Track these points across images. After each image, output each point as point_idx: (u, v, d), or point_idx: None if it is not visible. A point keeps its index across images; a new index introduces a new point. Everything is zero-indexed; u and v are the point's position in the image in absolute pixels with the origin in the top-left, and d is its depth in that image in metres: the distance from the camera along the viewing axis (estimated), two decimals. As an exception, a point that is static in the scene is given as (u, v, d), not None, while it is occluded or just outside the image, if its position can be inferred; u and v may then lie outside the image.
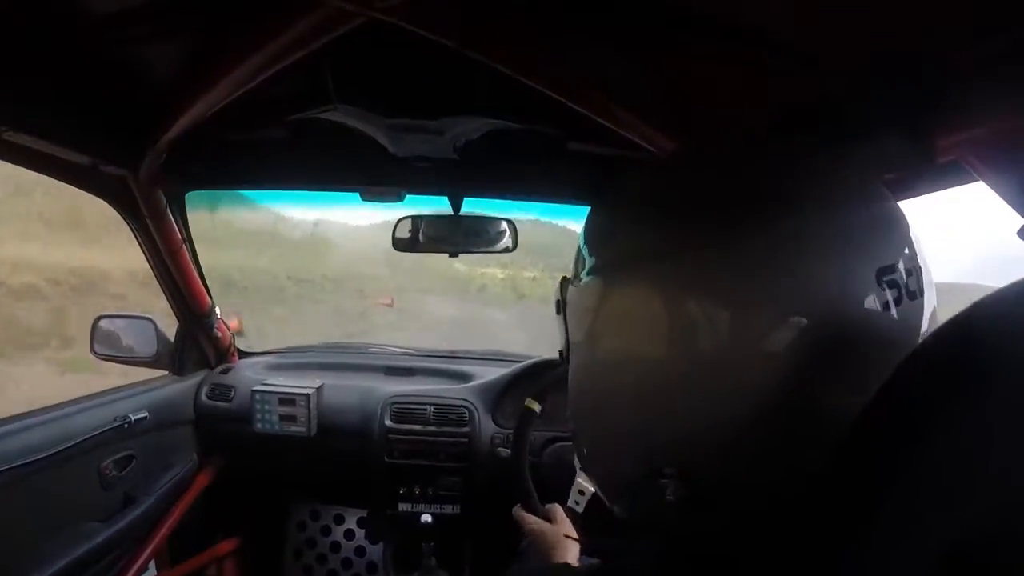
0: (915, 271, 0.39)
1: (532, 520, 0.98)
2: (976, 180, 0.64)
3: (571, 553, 0.91)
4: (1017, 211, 0.59)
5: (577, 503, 0.98)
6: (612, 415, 0.43)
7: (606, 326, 0.43)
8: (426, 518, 1.49)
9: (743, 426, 0.37)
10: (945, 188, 0.79)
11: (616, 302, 0.42)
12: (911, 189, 0.81)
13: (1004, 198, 0.59)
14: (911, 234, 0.41)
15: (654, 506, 0.41)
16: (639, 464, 0.42)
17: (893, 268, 0.38)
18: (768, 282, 0.37)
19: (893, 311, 0.37)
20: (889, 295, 0.37)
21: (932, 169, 0.64)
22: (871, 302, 0.36)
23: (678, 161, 0.54)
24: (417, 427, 1.53)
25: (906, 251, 0.39)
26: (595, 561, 0.95)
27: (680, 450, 0.40)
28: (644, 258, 0.41)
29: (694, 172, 0.46)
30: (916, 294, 0.39)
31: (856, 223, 0.39)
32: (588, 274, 0.45)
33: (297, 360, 1.83)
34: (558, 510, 0.99)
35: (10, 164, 0.96)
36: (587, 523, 0.95)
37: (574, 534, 0.94)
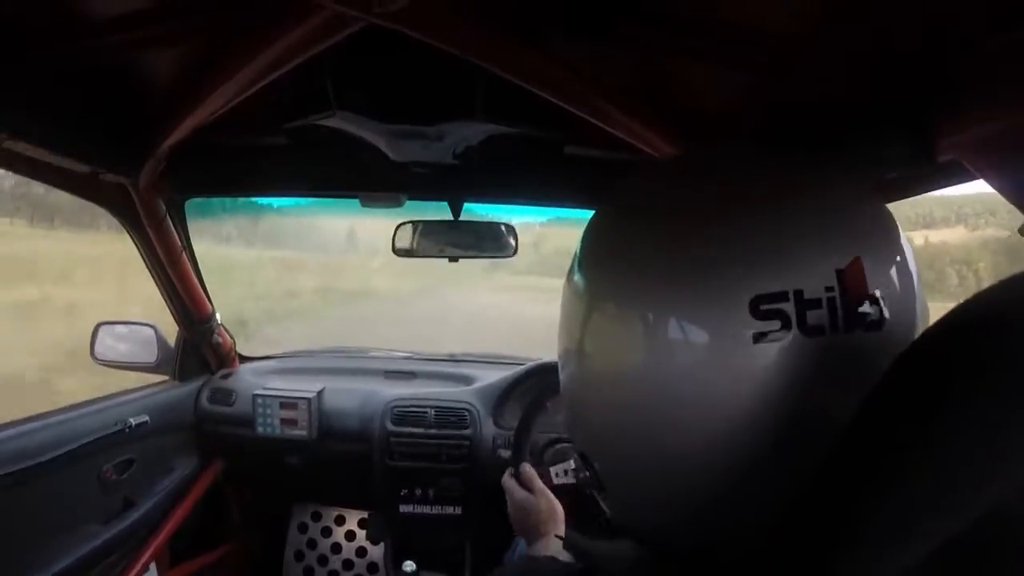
0: (906, 273, 0.38)
1: (519, 492, 0.98)
2: (976, 178, 0.64)
3: (557, 526, 0.92)
4: (1018, 208, 0.59)
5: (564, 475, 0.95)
6: (602, 421, 0.42)
7: (592, 335, 0.41)
8: (409, 566, 1.43)
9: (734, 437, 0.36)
10: (945, 186, 0.80)
11: (600, 311, 0.41)
12: (911, 188, 0.81)
13: (1005, 196, 0.59)
14: (901, 236, 0.40)
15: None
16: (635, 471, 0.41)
17: (885, 271, 0.37)
18: (747, 287, 0.35)
19: (886, 312, 0.35)
20: (880, 296, 0.36)
21: (932, 168, 0.64)
22: (818, 318, 0.34)
23: (669, 166, 0.53)
24: (418, 430, 1.53)
25: (897, 257, 0.38)
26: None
27: (667, 460, 0.38)
28: (626, 267, 0.39)
29: (679, 178, 0.44)
30: (908, 296, 0.37)
31: (847, 228, 0.37)
32: (578, 275, 0.44)
33: (298, 364, 1.83)
34: (535, 480, 0.98)
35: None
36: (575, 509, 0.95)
37: (557, 503, 0.94)
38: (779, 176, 0.40)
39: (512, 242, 1.42)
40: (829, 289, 0.34)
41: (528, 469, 1.00)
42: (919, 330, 0.36)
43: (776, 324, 0.33)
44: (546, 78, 0.77)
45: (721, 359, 0.34)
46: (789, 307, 0.34)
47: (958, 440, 0.27)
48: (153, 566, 1.41)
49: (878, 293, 0.35)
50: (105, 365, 1.51)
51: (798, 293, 0.34)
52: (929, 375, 0.30)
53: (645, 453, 0.38)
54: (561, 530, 0.91)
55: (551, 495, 0.96)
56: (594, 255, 0.43)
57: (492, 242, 1.43)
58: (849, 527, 0.30)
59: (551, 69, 0.76)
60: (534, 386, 1.55)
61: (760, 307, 0.34)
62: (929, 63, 0.57)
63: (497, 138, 1.09)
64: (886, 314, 0.35)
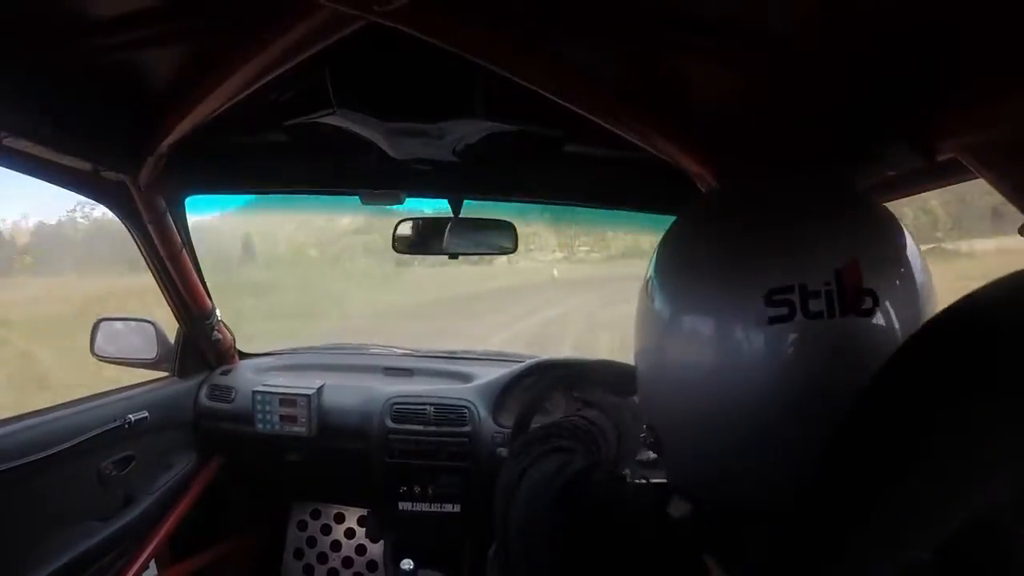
0: (905, 267, 0.45)
1: None
2: (975, 177, 0.64)
3: None
4: (1017, 208, 0.59)
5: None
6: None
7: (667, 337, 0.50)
8: (407, 565, 1.46)
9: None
10: (945, 185, 0.80)
11: (675, 317, 0.49)
12: (911, 186, 0.82)
13: (1004, 195, 0.59)
14: (903, 235, 0.47)
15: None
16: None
17: (882, 268, 0.43)
18: (763, 283, 0.43)
19: (880, 303, 0.42)
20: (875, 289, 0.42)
21: (931, 166, 0.64)
22: (818, 305, 0.42)
23: (719, 195, 0.64)
24: (417, 427, 1.53)
25: (894, 254, 0.45)
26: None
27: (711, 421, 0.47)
28: (686, 277, 0.50)
29: (721, 207, 0.55)
30: (907, 286, 0.44)
31: (848, 233, 0.45)
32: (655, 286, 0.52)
33: (297, 361, 1.83)
34: None
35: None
36: None
37: None
38: (798, 200, 0.49)
39: (512, 239, 1.42)
40: (827, 284, 0.42)
41: None
42: (925, 311, 0.44)
43: (784, 310, 0.42)
44: (546, 76, 0.77)
45: (746, 338, 0.43)
46: (795, 297, 0.42)
47: (952, 441, 0.28)
48: (153, 563, 1.42)
49: (873, 286, 0.42)
50: (105, 361, 1.51)
51: (803, 287, 0.42)
52: (924, 377, 0.30)
53: (695, 418, 0.48)
54: None
55: None
56: (662, 265, 0.53)
57: (492, 239, 1.43)
58: (844, 530, 0.30)
59: (551, 67, 0.76)
60: (533, 384, 1.55)
61: (772, 297, 0.42)
62: (929, 63, 0.57)
63: (497, 136, 1.09)
64: (879, 304, 0.42)
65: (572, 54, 0.75)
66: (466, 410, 1.55)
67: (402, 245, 1.43)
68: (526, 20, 0.68)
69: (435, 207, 1.43)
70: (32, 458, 1.04)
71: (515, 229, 1.42)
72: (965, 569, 0.28)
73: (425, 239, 1.42)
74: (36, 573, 1.05)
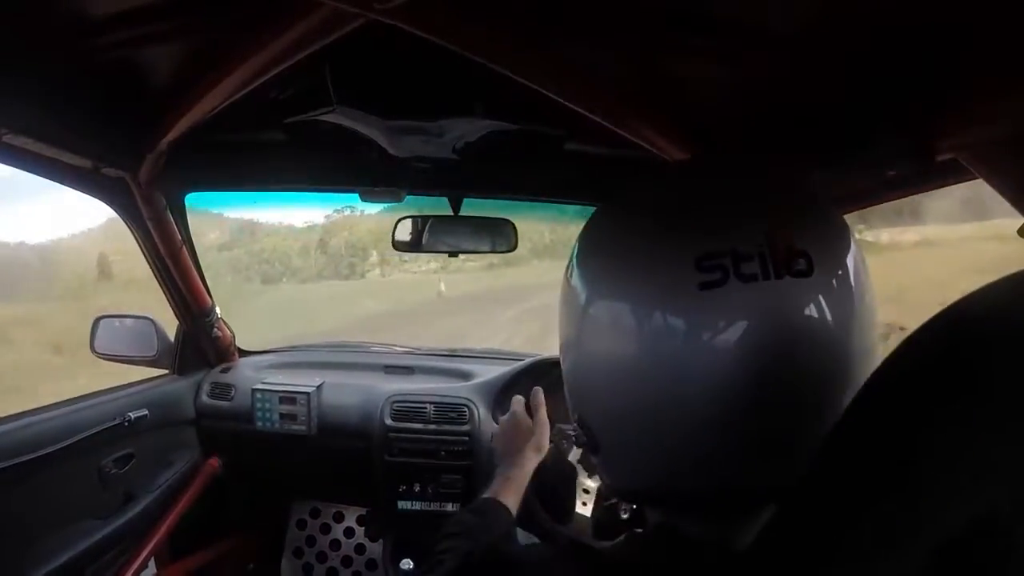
0: (837, 236, 0.45)
1: (521, 412, 1.03)
2: (975, 177, 0.64)
3: (537, 453, 0.96)
4: (1016, 208, 0.59)
5: (584, 503, 0.98)
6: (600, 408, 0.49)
7: (590, 326, 0.48)
8: (406, 565, 1.50)
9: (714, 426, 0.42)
10: (944, 185, 0.80)
11: (598, 305, 0.47)
12: (910, 187, 0.82)
13: (1003, 195, 0.60)
14: (826, 212, 0.47)
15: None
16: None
17: (815, 232, 0.43)
18: (693, 249, 0.42)
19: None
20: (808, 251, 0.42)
21: (931, 167, 0.64)
22: (751, 267, 0.41)
23: (672, 170, 0.61)
24: (417, 425, 1.53)
25: (825, 223, 0.45)
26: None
27: (653, 412, 0.44)
28: (620, 265, 0.46)
29: (656, 182, 0.53)
30: (840, 253, 0.44)
31: (779, 204, 0.45)
32: (576, 273, 0.50)
33: (297, 359, 1.83)
34: (541, 409, 1.02)
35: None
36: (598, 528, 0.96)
37: (546, 440, 0.99)
38: (732, 177, 0.49)
39: (512, 237, 1.42)
40: (759, 246, 0.41)
41: (539, 397, 1.04)
42: (861, 282, 0.43)
43: (717, 274, 0.40)
44: (546, 74, 0.77)
45: (679, 310, 0.42)
46: (727, 261, 0.41)
47: (947, 447, 0.28)
48: (152, 561, 1.42)
49: (806, 247, 0.41)
50: (105, 359, 1.51)
51: (734, 251, 0.41)
52: (917, 382, 0.30)
53: (633, 408, 0.45)
54: (538, 458, 0.97)
55: (547, 428, 1.01)
56: (582, 251, 0.51)
57: (492, 237, 1.43)
58: (838, 535, 0.30)
59: (551, 66, 0.76)
60: (533, 382, 1.56)
61: (703, 264, 0.41)
62: (928, 63, 0.57)
63: (497, 134, 1.09)
64: (814, 266, 0.41)
65: (572, 53, 0.75)
66: (466, 408, 1.55)
67: (401, 244, 1.43)
68: (526, 19, 0.68)
69: (435, 205, 1.42)
70: (32, 456, 1.04)
71: (515, 228, 1.42)
72: (963, 571, 0.28)
73: (425, 237, 1.41)
74: (36, 571, 1.05)
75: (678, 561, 0.45)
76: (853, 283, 0.43)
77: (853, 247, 0.45)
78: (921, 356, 0.31)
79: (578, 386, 0.51)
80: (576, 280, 0.49)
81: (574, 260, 0.51)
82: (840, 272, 0.43)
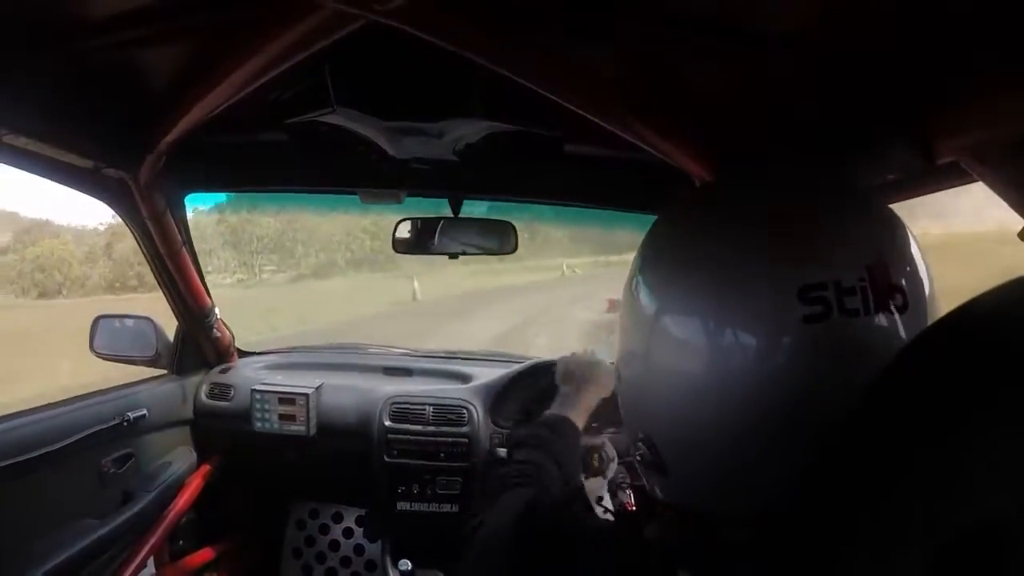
0: (918, 265, 0.44)
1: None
2: (975, 180, 0.64)
3: (595, 394, 0.96)
4: (1017, 212, 0.59)
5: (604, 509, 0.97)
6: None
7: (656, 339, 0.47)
8: (405, 565, 1.52)
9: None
10: (945, 188, 0.80)
11: (664, 318, 0.47)
12: (911, 190, 0.81)
13: (1004, 198, 0.59)
14: (909, 233, 0.46)
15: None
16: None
17: (904, 266, 0.43)
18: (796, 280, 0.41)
19: (917, 307, 0.42)
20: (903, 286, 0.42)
21: (931, 170, 0.64)
22: (854, 302, 0.41)
23: (722, 185, 0.61)
24: (416, 427, 1.53)
25: (911, 252, 0.45)
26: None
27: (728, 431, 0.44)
28: (689, 273, 0.46)
29: (732, 192, 0.52)
30: (922, 285, 0.44)
31: (871, 231, 0.45)
32: (646, 286, 0.49)
33: (297, 360, 1.83)
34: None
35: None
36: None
37: (611, 386, 0.94)
38: (814, 189, 0.49)
39: (511, 239, 1.42)
40: (862, 280, 0.41)
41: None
42: (932, 312, 0.43)
43: (820, 308, 0.40)
44: (545, 76, 0.77)
45: (776, 338, 0.41)
46: (830, 294, 0.40)
47: (951, 451, 0.27)
48: (151, 561, 1.42)
49: (903, 283, 0.42)
50: (104, 359, 1.51)
51: (837, 283, 0.41)
52: (921, 386, 0.30)
53: (710, 428, 0.44)
54: (598, 397, 0.96)
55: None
56: (655, 264, 0.50)
57: (492, 239, 1.43)
58: (846, 532, 0.30)
59: (550, 67, 0.76)
60: (532, 385, 1.55)
61: (807, 295, 0.40)
62: (929, 63, 0.57)
63: (497, 135, 1.09)
64: (908, 301, 0.42)
65: (572, 54, 0.75)
66: (465, 410, 1.54)
67: (401, 245, 1.43)
68: (526, 20, 0.68)
69: (435, 207, 1.42)
70: (31, 455, 1.04)
71: (515, 229, 1.42)
72: (965, 573, 0.28)
73: (425, 239, 1.41)
74: (34, 570, 1.05)
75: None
76: (934, 307, 0.44)
77: (927, 267, 0.45)
78: (926, 360, 0.31)
79: (645, 403, 0.49)
80: (646, 294, 0.48)
81: (640, 272, 0.50)
82: (926, 303, 0.44)
